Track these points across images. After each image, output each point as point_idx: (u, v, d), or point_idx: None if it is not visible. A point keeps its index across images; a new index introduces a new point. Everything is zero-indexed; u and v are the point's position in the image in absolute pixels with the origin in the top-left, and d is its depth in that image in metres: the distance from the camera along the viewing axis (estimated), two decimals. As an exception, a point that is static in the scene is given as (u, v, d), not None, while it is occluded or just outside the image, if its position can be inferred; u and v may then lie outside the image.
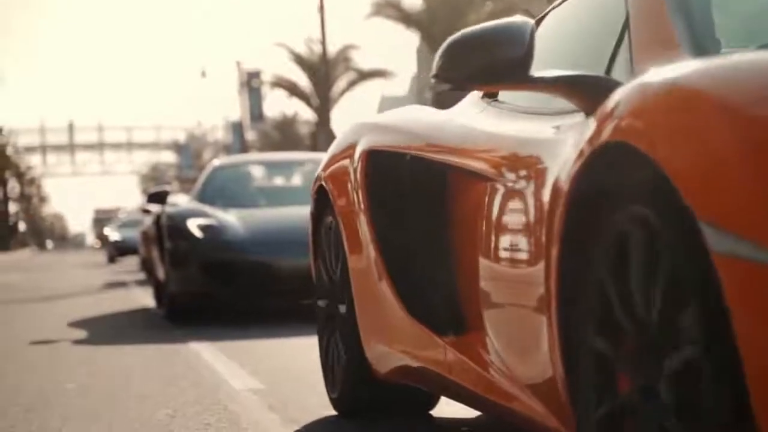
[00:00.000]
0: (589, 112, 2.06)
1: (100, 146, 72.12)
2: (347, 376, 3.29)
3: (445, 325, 2.72)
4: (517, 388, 2.30)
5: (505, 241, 2.35)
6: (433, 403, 3.36)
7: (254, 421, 3.53)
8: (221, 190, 8.65)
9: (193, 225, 7.66)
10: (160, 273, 8.52)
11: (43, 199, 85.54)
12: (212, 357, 5.38)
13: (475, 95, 3.03)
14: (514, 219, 2.31)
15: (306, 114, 43.30)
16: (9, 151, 57.18)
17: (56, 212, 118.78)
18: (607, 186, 1.82)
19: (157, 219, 8.80)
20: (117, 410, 3.82)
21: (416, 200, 2.92)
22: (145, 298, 10.87)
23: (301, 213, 7.69)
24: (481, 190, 2.50)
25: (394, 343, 2.98)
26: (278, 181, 9.37)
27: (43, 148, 70.93)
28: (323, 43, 28.48)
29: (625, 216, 1.76)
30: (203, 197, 8.49)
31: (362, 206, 3.11)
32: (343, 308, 3.30)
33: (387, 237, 3.03)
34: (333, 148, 3.49)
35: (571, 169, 1.90)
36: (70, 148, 71.35)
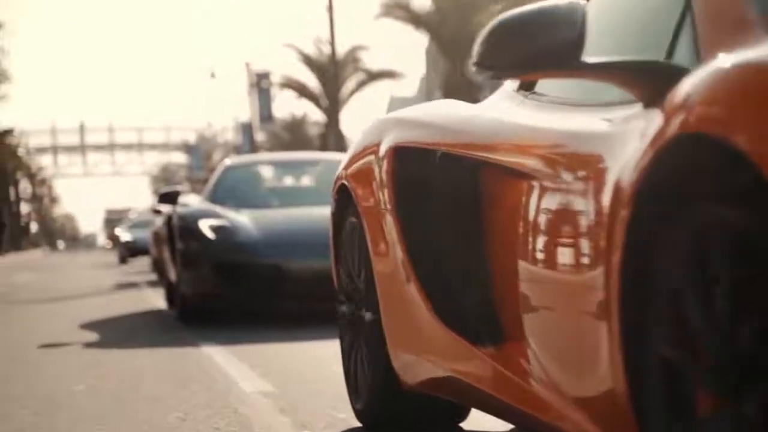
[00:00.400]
0: (649, 103, 1.89)
1: (110, 147, 72.30)
2: (373, 387, 3.08)
3: (480, 333, 2.50)
4: (562, 402, 2.11)
5: (551, 244, 2.15)
6: (464, 415, 3.15)
7: (265, 424, 3.51)
8: (233, 191, 8.49)
9: (205, 226, 7.51)
10: (172, 274, 8.44)
11: (54, 200, 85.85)
12: (223, 359, 5.36)
13: (507, 88, 2.82)
14: (563, 220, 2.11)
15: (315, 115, 43.37)
16: (20, 152, 57.36)
17: (67, 213, 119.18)
18: (679, 183, 1.65)
19: (169, 219, 8.71)
20: (126, 413, 3.81)
21: (447, 199, 2.69)
22: (156, 299, 10.86)
23: (315, 214, 7.49)
24: (522, 189, 2.29)
25: (424, 351, 2.77)
26: (291, 181, 9.22)
27: (55, 149, 71.14)
28: (332, 43, 28.47)
29: (703, 216, 1.60)
30: (215, 197, 8.34)
31: (388, 206, 2.89)
32: (367, 315, 3.10)
33: (416, 238, 2.80)
34: (356, 145, 3.26)
35: (635, 167, 1.72)
36: (81, 149, 71.55)
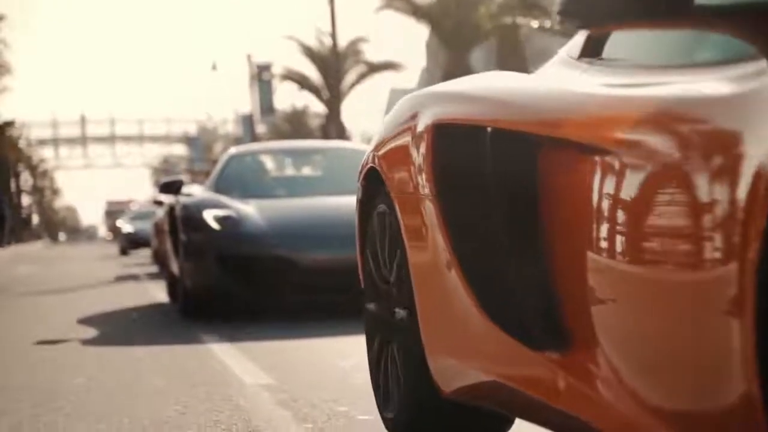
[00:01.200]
0: None
1: (111, 139, 72.29)
2: (406, 394, 2.73)
3: (537, 334, 2.14)
4: (649, 417, 1.78)
5: (646, 233, 1.75)
6: (507, 426, 2.82)
7: (266, 417, 3.48)
8: (238, 180, 8.12)
9: (210, 216, 7.16)
10: (174, 267, 8.15)
11: (55, 192, 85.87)
12: (223, 352, 5.34)
13: (564, 56, 2.45)
14: (661, 205, 1.71)
15: (316, 107, 43.32)
16: (22, 143, 57.33)
17: (69, 205, 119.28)
18: None
19: (171, 210, 8.44)
20: (126, 406, 3.78)
21: (499, 182, 2.28)
22: (156, 291, 10.83)
23: (324, 204, 7.36)
24: (599, 170, 1.89)
25: (467, 354, 2.42)
26: (299, 170, 8.89)
27: (56, 141, 71.14)
28: (333, 35, 28.40)
29: None
30: (219, 187, 7.97)
31: (428, 190, 2.50)
32: (400, 313, 2.73)
33: (460, 227, 2.42)
34: (387, 124, 2.87)
35: None
36: (82, 140, 71.54)
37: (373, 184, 2.89)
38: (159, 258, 14.74)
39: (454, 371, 2.50)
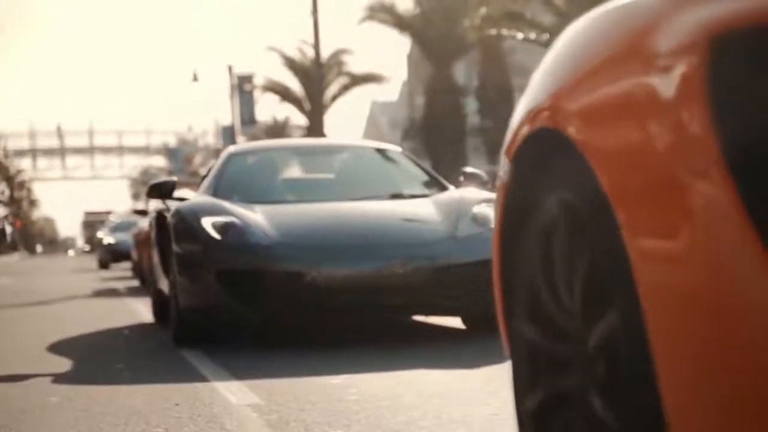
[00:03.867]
0: None
1: (90, 150, 71.94)
2: None
3: None
4: None
5: None
6: None
7: (253, 441, 3.24)
8: (241, 182, 6.99)
9: (209, 224, 6.05)
10: (163, 284, 7.05)
11: (33, 203, 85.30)
12: (207, 369, 5.08)
13: None
14: None
15: (298, 119, 43.13)
16: (-2, 154, 56.90)
17: (46, 216, 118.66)
18: None
19: (160, 217, 7.26)
20: (102, 428, 3.53)
21: None
22: (136, 305, 10.56)
23: (342, 210, 6.34)
24: None
25: None
26: (308, 171, 7.63)
27: (34, 152, 70.73)
28: (316, 47, 28.22)
29: None
30: (217, 191, 6.84)
31: (707, 163, 1.23)
32: (604, 361, 1.58)
33: None
34: (577, 53, 1.59)
35: None
36: (61, 151, 71.15)
37: (542, 156, 1.75)
38: (140, 272, 14.40)
39: None
